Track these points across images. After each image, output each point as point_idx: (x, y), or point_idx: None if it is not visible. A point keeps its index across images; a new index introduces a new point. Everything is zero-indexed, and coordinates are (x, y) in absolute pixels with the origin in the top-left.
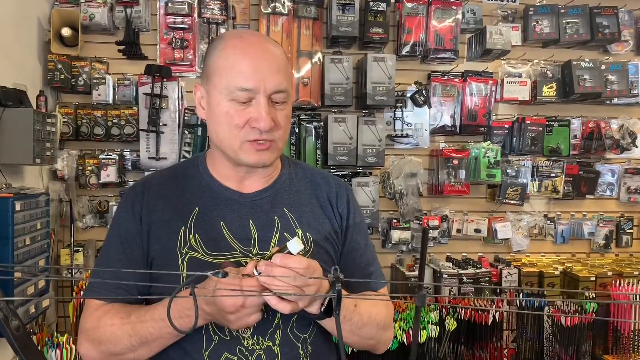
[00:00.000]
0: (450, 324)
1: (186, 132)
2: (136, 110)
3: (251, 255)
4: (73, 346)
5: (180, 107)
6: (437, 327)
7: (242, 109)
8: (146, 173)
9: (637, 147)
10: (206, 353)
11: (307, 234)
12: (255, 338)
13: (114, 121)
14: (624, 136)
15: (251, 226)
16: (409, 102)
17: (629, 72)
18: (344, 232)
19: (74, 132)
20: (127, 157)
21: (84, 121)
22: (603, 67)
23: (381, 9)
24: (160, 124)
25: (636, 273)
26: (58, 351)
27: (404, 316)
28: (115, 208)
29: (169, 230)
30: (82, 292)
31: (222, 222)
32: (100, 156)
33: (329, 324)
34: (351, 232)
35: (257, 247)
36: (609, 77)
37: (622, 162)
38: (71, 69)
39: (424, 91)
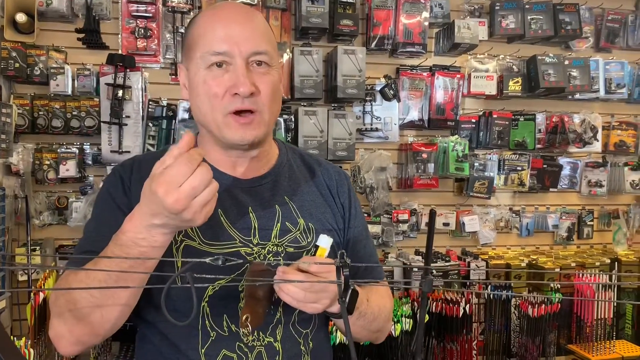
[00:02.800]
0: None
1: (150, 124)
2: (97, 102)
3: (251, 246)
4: (31, 350)
5: (144, 98)
6: (411, 320)
7: (219, 76)
8: (108, 167)
9: (598, 141)
10: (203, 350)
11: (310, 223)
12: (255, 334)
13: (74, 113)
14: (585, 130)
15: (251, 214)
16: (379, 96)
17: (590, 68)
18: (347, 223)
19: (29, 125)
20: (88, 151)
21: (40, 113)
22: (566, 62)
23: (351, 1)
24: (123, 115)
25: (597, 264)
26: None
27: None
28: (75, 205)
29: None
30: (40, 295)
31: (219, 210)
32: (59, 150)
33: (341, 323)
34: (354, 223)
35: (257, 236)
36: (571, 72)
37: (583, 155)
38: (26, 57)
39: (393, 85)
